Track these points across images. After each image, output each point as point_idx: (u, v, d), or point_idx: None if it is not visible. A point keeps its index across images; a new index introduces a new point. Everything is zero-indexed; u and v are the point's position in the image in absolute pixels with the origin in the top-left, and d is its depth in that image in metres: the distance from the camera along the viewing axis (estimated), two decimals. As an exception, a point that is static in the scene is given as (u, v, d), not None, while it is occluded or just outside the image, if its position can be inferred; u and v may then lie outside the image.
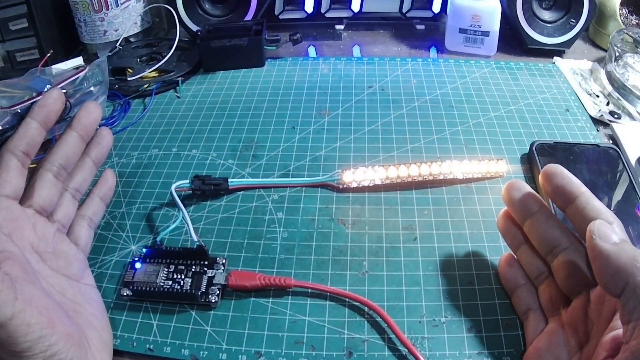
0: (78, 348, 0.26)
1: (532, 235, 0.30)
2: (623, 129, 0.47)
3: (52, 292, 0.29)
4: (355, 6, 0.68)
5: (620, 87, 0.52)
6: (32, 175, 0.33)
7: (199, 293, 0.34)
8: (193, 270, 0.35)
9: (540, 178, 0.30)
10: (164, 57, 0.60)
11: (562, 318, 0.28)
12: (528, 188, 0.31)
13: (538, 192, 0.42)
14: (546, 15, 0.61)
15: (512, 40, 0.64)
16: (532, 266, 0.31)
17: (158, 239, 0.38)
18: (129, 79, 0.58)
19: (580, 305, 0.27)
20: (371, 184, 0.42)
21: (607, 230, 0.24)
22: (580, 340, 0.26)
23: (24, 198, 0.32)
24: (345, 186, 0.42)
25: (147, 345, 0.32)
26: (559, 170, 0.29)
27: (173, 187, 0.39)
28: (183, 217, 0.38)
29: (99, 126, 0.52)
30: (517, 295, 0.32)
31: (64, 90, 0.50)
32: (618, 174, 0.42)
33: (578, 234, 0.28)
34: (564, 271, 0.28)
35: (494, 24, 0.59)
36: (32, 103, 0.46)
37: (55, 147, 0.34)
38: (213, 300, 0.34)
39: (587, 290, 0.27)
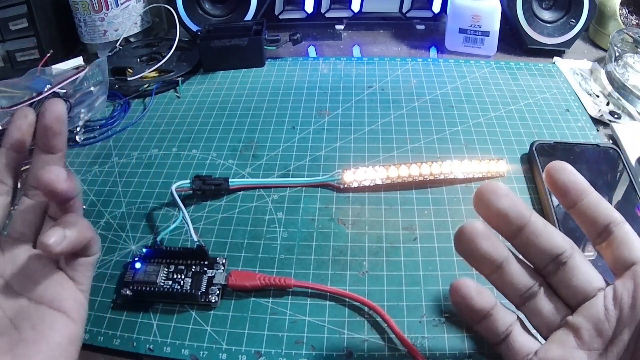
0: None
1: (530, 246, 0.26)
2: (623, 129, 0.47)
3: None
4: (355, 6, 0.68)
5: (620, 87, 0.52)
6: None
7: (199, 293, 0.34)
8: (193, 270, 0.35)
9: (545, 174, 0.28)
10: (164, 57, 0.60)
11: (573, 324, 0.26)
12: (510, 192, 0.27)
13: (537, 192, 0.42)
14: (546, 15, 0.61)
15: (512, 40, 0.64)
16: (520, 284, 0.27)
17: (158, 239, 0.38)
18: (129, 79, 0.58)
19: (597, 305, 0.25)
20: (372, 184, 0.42)
21: None
22: (605, 340, 0.25)
23: None
24: (345, 186, 0.42)
25: (147, 345, 0.32)
26: (568, 167, 0.27)
27: (173, 187, 0.39)
28: (183, 217, 0.38)
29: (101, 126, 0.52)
30: (493, 318, 0.27)
31: (64, 91, 0.50)
32: (618, 174, 0.42)
33: (586, 234, 0.27)
34: (580, 276, 0.26)
35: (494, 24, 0.59)
36: (31, 103, 0.46)
37: None
38: (213, 300, 0.34)
39: (602, 290, 0.26)
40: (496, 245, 0.26)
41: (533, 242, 0.26)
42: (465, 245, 0.26)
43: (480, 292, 0.26)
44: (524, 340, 0.26)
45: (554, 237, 0.26)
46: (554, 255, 0.26)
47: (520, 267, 0.27)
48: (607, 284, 0.26)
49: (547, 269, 0.26)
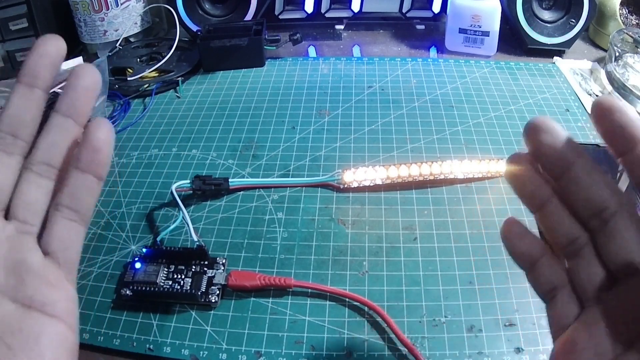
0: None
1: (573, 192, 0.24)
2: (623, 129, 0.47)
3: None
4: (355, 6, 0.68)
5: (620, 87, 0.52)
6: None
7: (199, 293, 0.34)
8: (193, 270, 0.35)
9: (592, 113, 0.23)
10: (164, 57, 0.60)
11: (606, 307, 0.23)
12: (556, 128, 0.24)
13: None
14: (546, 15, 0.61)
15: (512, 40, 0.64)
16: (564, 230, 0.24)
17: (158, 239, 0.38)
18: (129, 79, 0.58)
19: (633, 288, 0.22)
20: (372, 184, 0.42)
21: None
22: (631, 334, 0.22)
23: None
24: (345, 186, 0.42)
25: (147, 345, 0.32)
26: (619, 106, 0.22)
27: (173, 187, 0.39)
28: (183, 217, 0.38)
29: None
30: (537, 271, 0.25)
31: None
32: (618, 174, 0.42)
33: (638, 189, 0.24)
34: (618, 242, 0.22)
35: (494, 24, 0.59)
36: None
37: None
38: (213, 300, 0.34)
39: None
40: (540, 181, 0.24)
41: (573, 190, 0.23)
42: (511, 171, 0.25)
43: (523, 235, 0.25)
44: (564, 310, 0.24)
45: (595, 189, 0.22)
46: (594, 209, 0.23)
47: (567, 215, 0.24)
48: None
49: (592, 225, 0.23)
